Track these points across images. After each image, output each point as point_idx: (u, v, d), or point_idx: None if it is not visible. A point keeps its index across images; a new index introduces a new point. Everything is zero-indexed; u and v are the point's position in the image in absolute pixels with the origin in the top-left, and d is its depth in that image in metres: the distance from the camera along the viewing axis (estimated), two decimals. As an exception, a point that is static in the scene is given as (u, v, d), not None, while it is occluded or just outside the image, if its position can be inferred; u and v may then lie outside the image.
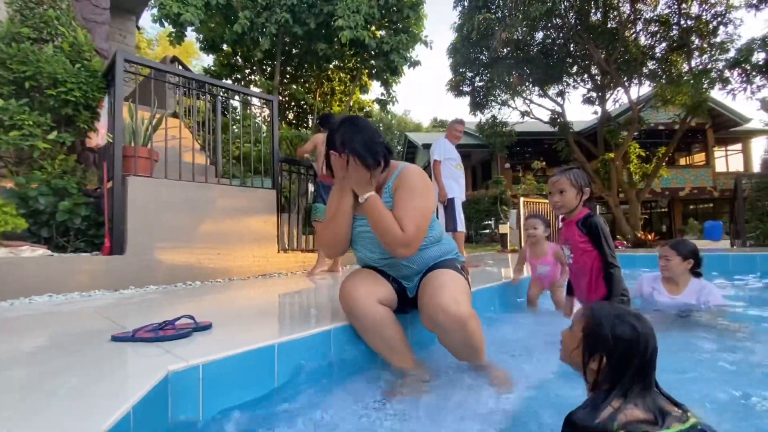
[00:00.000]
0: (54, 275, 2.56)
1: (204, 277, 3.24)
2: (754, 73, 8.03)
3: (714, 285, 2.25)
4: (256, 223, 3.67)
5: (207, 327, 1.36)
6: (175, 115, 5.86)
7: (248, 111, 8.50)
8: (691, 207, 19.30)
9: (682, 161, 19.04)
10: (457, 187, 4.44)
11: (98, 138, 3.19)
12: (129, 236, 2.88)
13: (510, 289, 2.76)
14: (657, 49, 12.01)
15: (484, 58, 12.97)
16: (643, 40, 12.07)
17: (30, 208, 2.88)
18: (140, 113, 3.39)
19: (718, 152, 18.68)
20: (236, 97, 3.94)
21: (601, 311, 0.89)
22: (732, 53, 8.76)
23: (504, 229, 8.77)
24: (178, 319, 1.35)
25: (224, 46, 11.01)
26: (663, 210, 19.70)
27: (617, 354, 0.82)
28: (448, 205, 4.35)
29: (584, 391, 0.92)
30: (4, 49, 3.04)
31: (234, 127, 6.70)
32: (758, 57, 7.76)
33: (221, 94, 3.85)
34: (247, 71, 12.50)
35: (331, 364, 1.33)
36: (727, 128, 17.34)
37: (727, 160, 19.03)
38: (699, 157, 18.57)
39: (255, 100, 4.17)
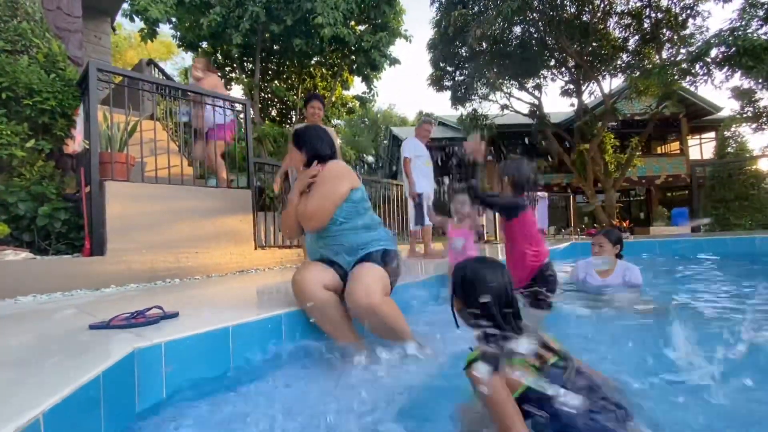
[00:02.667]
0: (37, 277, 2.72)
1: (183, 274, 3.42)
2: (713, 67, 8.40)
3: (635, 266, 2.53)
4: (233, 221, 3.86)
5: (174, 315, 1.57)
6: (152, 117, 5.95)
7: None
8: (668, 195, 19.94)
9: (658, 150, 19.61)
10: (426, 183, 4.68)
11: (75, 144, 3.32)
12: (108, 238, 3.04)
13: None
14: (630, 42, 12.37)
15: (463, 53, 13.17)
16: (617, 33, 12.42)
17: (11, 213, 3.02)
18: (116, 117, 3.52)
19: (693, 141, 19.29)
20: (209, 101, 4.08)
21: (460, 263, 1.12)
22: (695, 47, 9.15)
23: (480, 220, 9.04)
24: (149, 309, 1.56)
25: (204, 44, 10.98)
26: (641, 198, 20.31)
27: (473, 294, 1.02)
28: (418, 201, 4.58)
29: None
30: (-21, 61, 3.14)
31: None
32: (718, 51, 8.12)
33: (195, 98, 3.99)
34: (227, 69, 12.49)
35: (282, 343, 1.55)
36: (700, 117, 17.90)
37: (702, 148, 19.66)
38: (674, 146, 19.15)
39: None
